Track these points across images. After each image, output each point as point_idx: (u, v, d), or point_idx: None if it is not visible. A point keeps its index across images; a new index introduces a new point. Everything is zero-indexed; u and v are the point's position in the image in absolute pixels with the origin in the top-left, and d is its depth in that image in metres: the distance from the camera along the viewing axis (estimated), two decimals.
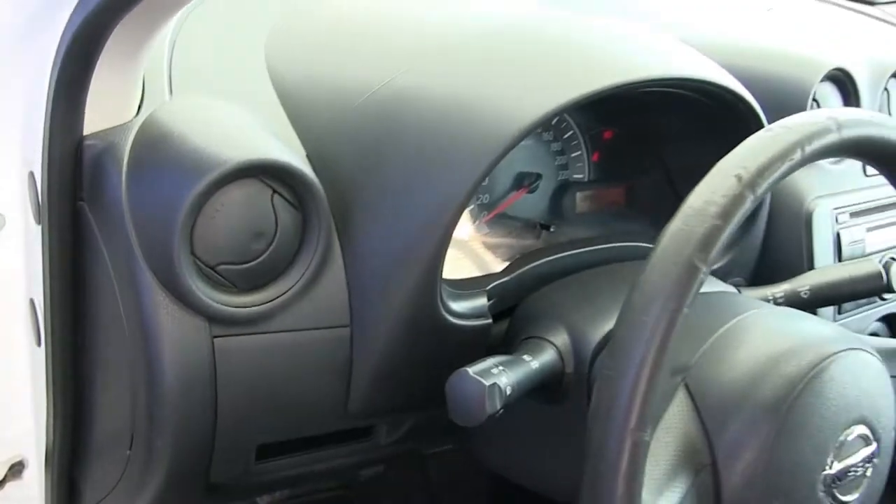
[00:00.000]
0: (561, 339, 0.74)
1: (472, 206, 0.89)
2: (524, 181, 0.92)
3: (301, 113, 0.78)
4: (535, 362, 0.71)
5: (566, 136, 0.96)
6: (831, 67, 1.05)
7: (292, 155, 0.69)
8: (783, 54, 1.09)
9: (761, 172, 0.58)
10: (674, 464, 0.64)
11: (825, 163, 1.06)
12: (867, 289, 0.91)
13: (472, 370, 0.64)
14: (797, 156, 0.60)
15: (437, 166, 0.71)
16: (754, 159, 0.59)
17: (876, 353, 0.73)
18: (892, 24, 1.71)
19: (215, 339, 0.68)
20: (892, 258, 1.09)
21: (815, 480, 0.66)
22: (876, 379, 0.71)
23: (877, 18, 1.71)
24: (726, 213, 0.57)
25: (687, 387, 0.67)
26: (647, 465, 0.62)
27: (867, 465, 0.69)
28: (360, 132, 0.75)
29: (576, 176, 0.98)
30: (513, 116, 0.71)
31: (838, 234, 1.03)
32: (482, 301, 0.78)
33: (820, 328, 0.73)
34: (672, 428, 0.65)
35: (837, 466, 0.66)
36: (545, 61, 0.79)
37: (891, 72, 1.15)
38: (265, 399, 0.71)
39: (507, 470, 0.87)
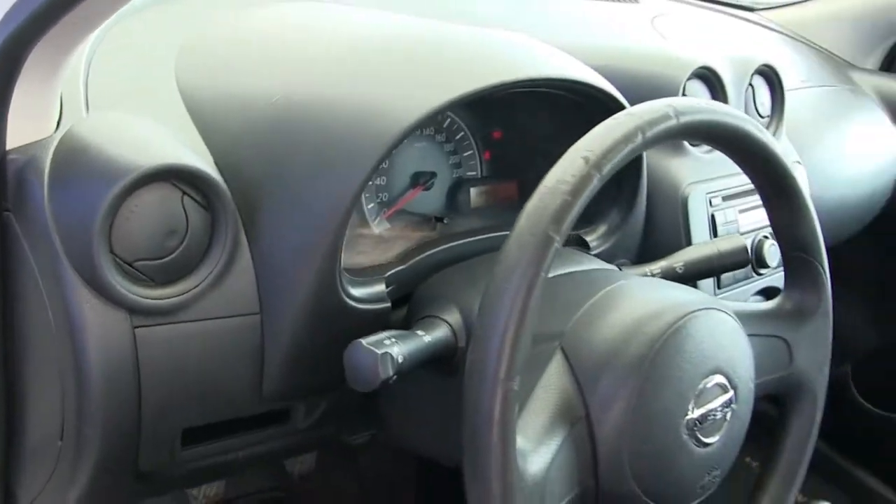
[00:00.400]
0: (453, 316, 0.82)
1: (372, 205, 0.97)
2: (420, 180, 1.00)
3: (209, 124, 0.85)
4: (427, 336, 0.78)
5: (458, 137, 1.04)
6: (698, 66, 1.15)
7: (200, 160, 0.76)
8: (655, 55, 1.20)
9: (605, 154, 0.67)
10: (552, 417, 0.72)
11: (698, 151, 1.16)
12: (734, 262, 1.00)
13: (365, 341, 0.72)
14: (639, 139, 0.69)
15: (328, 167, 0.79)
16: (600, 143, 0.68)
17: (731, 314, 0.82)
18: (770, 28, 1.84)
19: (136, 330, 0.74)
20: (765, 236, 1.19)
21: (678, 425, 0.75)
22: (731, 335, 0.80)
23: (756, 24, 1.84)
24: (576, 191, 0.65)
25: (563, 350, 0.75)
26: (528, 419, 0.70)
27: (726, 409, 0.78)
28: (261, 140, 0.82)
29: (469, 173, 1.06)
30: (394, 119, 0.79)
31: (713, 216, 1.13)
32: (381, 287, 0.85)
33: (679, 293, 0.82)
34: (550, 386, 0.73)
35: (698, 412, 0.75)
36: (425, 68, 0.87)
37: (753, 69, 1.26)
38: (185, 384, 0.78)
39: (414, 443, 0.94)
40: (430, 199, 1.02)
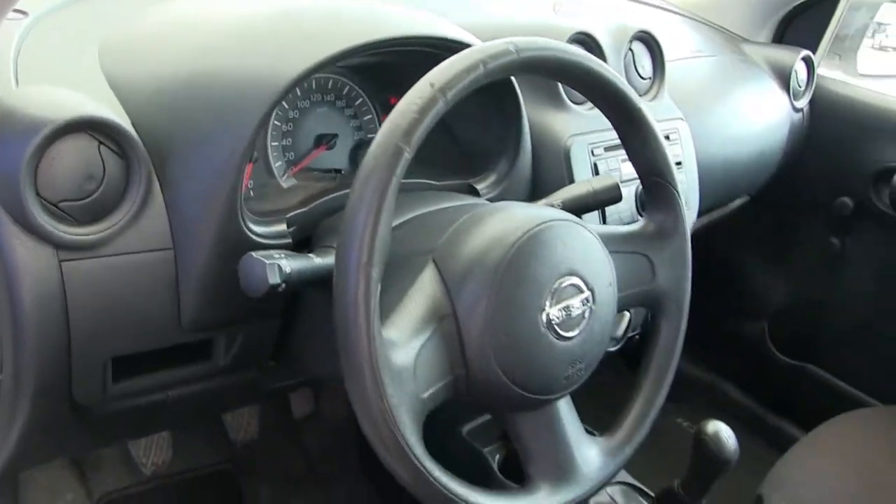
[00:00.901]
0: None
1: (280, 163, 1.10)
2: (323, 140, 1.12)
3: (126, 94, 0.97)
4: (318, 259, 0.89)
5: (357, 102, 1.17)
6: (575, 31, 1.28)
7: (115, 116, 0.87)
8: (537, 26, 1.33)
9: (449, 81, 0.80)
10: (422, 315, 0.83)
11: (580, 108, 1.29)
12: (608, 198, 1.12)
13: (256, 253, 0.83)
14: (480, 70, 0.81)
15: (223, 125, 0.91)
16: (445, 73, 0.80)
17: (588, 227, 0.93)
18: (668, 10, 1.98)
19: (62, 263, 0.85)
20: None
21: (536, 320, 0.86)
22: (586, 244, 0.92)
23: (658, 7, 1.98)
24: (423, 110, 0.78)
25: (434, 261, 0.87)
26: (400, 316, 0.82)
27: (584, 307, 0.90)
28: (168, 105, 0.94)
29: (370, 135, 1.18)
30: (268, 86, 0.91)
31: (595, 165, 1.26)
32: (282, 227, 0.97)
33: (540, 210, 0.94)
34: (421, 290, 0.85)
35: (555, 308, 0.87)
36: (298, 37, 0.98)
37: (631, 34, 1.39)
38: (110, 312, 0.89)
39: (319, 368, 1.06)
40: (335, 158, 1.15)
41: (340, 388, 1.21)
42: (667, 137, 1.41)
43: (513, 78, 1.12)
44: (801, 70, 1.89)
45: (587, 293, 0.90)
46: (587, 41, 1.31)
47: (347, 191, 1.04)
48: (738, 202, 1.98)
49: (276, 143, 1.09)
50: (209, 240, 0.91)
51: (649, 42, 1.44)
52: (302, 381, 1.25)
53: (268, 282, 0.81)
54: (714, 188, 1.62)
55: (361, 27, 0.99)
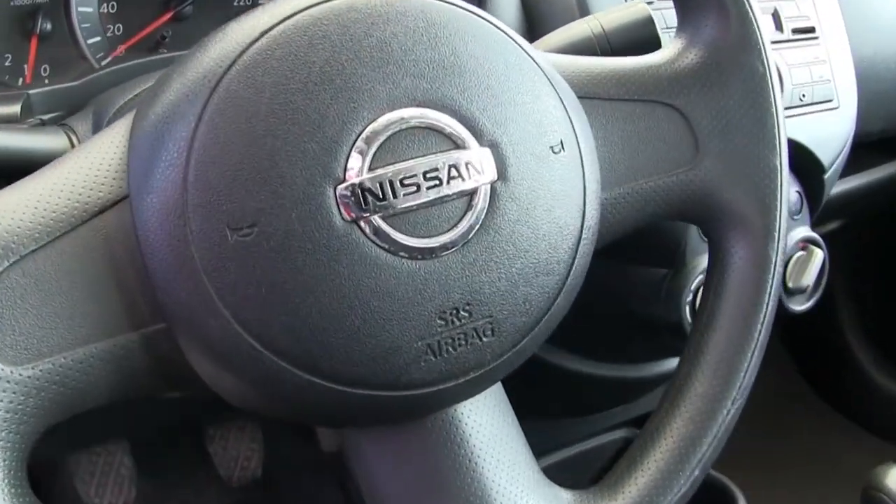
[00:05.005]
0: (83, 124, 0.66)
1: (97, 38, 0.74)
2: (171, 4, 0.75)
3: None
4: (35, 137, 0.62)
5: None
6: None
7: None
8: None
9: None
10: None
11: None
12: (629, 41, 0.67)
13: None
14: None
15: None
16: None
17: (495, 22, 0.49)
18: None
19: None
20: None
21: (321, 208, 0.42)
22: (469, 42, 0.46)
23: None
24: None
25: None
26: None
27: (466, 184, 0.44)
28: None
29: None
30: None
31: None
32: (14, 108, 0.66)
33: None
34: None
35: (377, 179, 0.42)
36: None
37: None
38: None
39: None
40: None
41: None
42: None
43: None
44: None
45: (472, 150, 0.45)
46: None
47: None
48: None
49: (87, 9, 0.72)
50: None
51: None
52: None
53: None
54: (883, 103, 1.11)
55: None
